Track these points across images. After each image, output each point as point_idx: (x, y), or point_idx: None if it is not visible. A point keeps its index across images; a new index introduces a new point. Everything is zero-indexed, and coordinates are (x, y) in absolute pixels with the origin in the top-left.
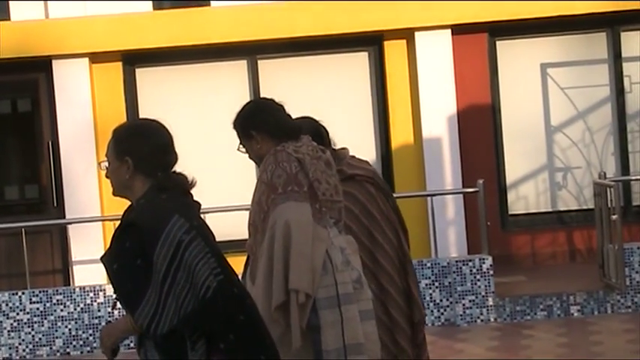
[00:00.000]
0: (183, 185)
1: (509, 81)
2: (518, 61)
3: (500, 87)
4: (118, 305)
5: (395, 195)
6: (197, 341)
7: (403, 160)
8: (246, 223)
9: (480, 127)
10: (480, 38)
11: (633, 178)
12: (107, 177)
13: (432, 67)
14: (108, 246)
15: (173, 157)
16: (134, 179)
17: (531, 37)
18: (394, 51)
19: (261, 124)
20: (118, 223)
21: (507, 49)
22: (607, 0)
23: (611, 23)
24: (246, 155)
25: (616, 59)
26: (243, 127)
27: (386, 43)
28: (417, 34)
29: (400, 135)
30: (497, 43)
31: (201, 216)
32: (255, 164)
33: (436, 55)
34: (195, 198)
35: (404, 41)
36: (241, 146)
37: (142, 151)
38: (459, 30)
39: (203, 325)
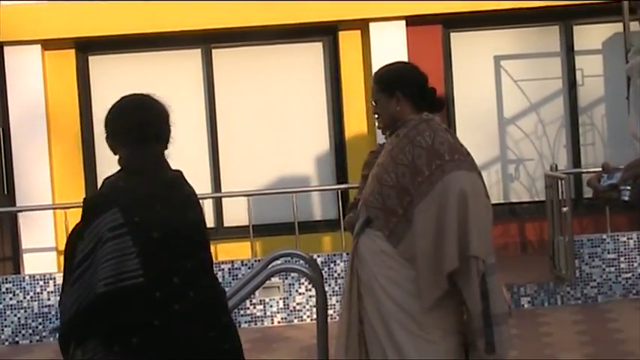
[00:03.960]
0: (151, 165)
1: (463, 73)
2: (472, 53)
3: (453, 79)
4: None
5: (348, 185)
6: (85, 340)
7: (357, 150)
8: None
9: (439, 117)
10: (435, 30)
11: (584, 170)
12: None
13: (386, 58)
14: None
15: (148, 133)
16: (119, 157)
17: (485, 30)
18: (349, 41)
19: (410, 88)
20: (69, 211)
21: (461, 41)
22: None
23: (564, 17)
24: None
25: (568, 52)
26: (389, 84)
27: (340, 33)
28: (371, 24)
29: (354, 125)
30: (452, 35)
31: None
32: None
33: (390, 46)
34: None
35: (358, 32)
36: (374, 102)
37: (113, 128)
38: (413, 21)
39: (85, 326)
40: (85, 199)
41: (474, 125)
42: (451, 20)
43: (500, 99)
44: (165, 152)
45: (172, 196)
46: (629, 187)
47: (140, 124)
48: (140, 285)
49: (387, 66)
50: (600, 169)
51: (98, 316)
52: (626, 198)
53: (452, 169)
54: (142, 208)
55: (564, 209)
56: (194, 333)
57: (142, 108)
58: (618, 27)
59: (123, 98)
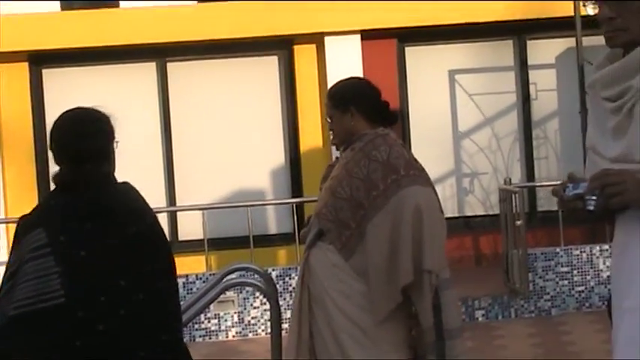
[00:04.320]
0: (86, 182)
1: (418, 87)
2: (427, 68)
3: (408, 93)
4: None
5: (303, 199)
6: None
7: (312, 164)
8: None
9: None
10: (389, 44)
11: (538, 184)
12: None
13: (341, 72)
14: None
15: (84, 150)
16: (54, 173)
17: (440, 44)
18: (304, 55)
19: (363, 103)
20: None
21: (416, 56)
22: (514, 8)
23: (518, 31)
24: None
25: (522, 67)
26: (342, 100)
27: (296, 47)
28: (326, 38)
29: (309, 139)
30: (406, 49)
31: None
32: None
33: (346, 59)
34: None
35: (314, 46)
36: (328, 118)
37: (51, 144)
38: (368, 35)
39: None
40: (18, 219)
41: (428, 139)
42: (406, 34)
43: (455, 113)
44: (114, 165)
45: (109, 212)
46: (594, 197)
47: (76, 141)
48: (61, 305)
49: (339, 82)
50: (554, 182)
51: (12, 337)
52: (592, 208)
53: (407, 183)
54: (70, 227)
55: (518, 223)
56: (121, 352)
57: (79, 124)
58: (571, 42)
59: (63, 114)
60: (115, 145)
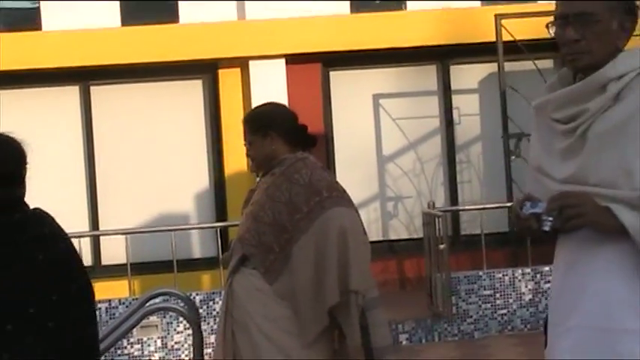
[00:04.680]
0: None
1: (343, 111)
2: (351, 92)
3: (333, 117)
4: None
5: (228, 223)
6: None
7: (237, 187)
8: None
9: (314, 156)
10: (314, 68)
11: (461, 208)
12: None
13: (266, 96)
14: None
15: None
16: None
17: (364, 69)
18: (228, 79)
19: (282, 127)
20: None
21: (340, 80)
22: (437, 33)
23: (441, 56)
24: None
25: (445, 91)
26: (261, 125)
27: (220, 71)
28: (251, 62)
29: (234, 163)
30: (331, 73)
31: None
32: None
33: (270, 84)
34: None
35: (238, 70)
36: (247, 144)
37: None
38: (293, 60)
39: None
40: None
41: (353, 163)
42: (330, 59)
43: (379, 137)
44: (25, 190)
45: (19, 238)
46: (551, 218)
47: None
48: None
49: (256, 108)
50: (477, 206)
51: None
52: (547, 228)
53: (331, 205)
54: None
55: (441, 246)
56: None
57: None
58: (493, 67)
59: None
60: (25, 170)
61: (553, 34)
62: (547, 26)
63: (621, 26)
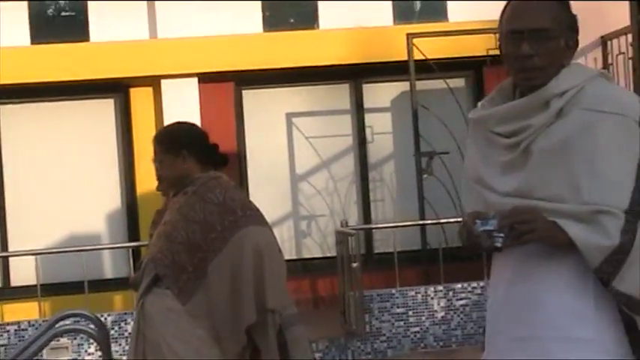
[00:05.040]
0: None
1: (256, 130)
2: (264, 111)
3: (246, 135)
4: None
5: (140, 243)
6: None
7: (149, 207)
8: None
9: (226, 175)
10: (227, 87)
11: (374, 226)
12: None
13: (178, 115)
14: None
15: None
16: None
17: (277, 87)
18: (140, 98)
19: (194, 146)
20: None
21: (253, 99)
22: (350, 52)
23: (354, 75)
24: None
25: (358, 110)
26: (173, 144)
27: (132, 90)
28: (163, 81)
29: (146, 182)
30: (244, 92)
31: None
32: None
33: (183, 103)
34: None
35: (150, 89)
36: (158, 161)
37: None
38: (205, 78)
39: None
40: None
41: (266, 182)
42: (243, 78)
43: (293, 156)
44: None
45: None
46: (502, 235)
47: None
48: None
49: (167, 127)
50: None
51: None
52: (499, 245)
53: (245, 224)
54: None
55: (354, 265)
56: None
57: None
58: (405, 86)
59: None
60: None
61: (503, 50)
62: (499, 43)
63: (567, 44)
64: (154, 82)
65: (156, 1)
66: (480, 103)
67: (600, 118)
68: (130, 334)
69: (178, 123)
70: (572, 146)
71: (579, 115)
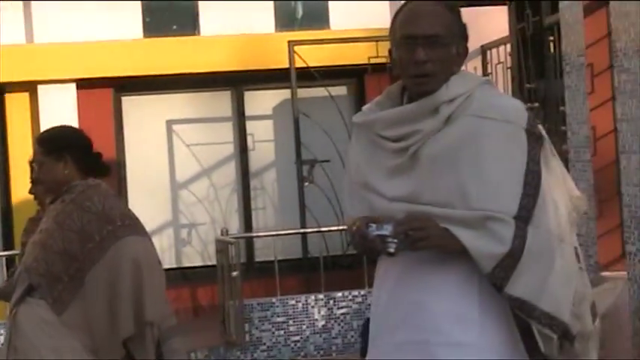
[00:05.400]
0: None
1: (135, 137)
2: (144, 117)
3: (125, 142)
4: None
5: (15, 252)
6: None
7: (25, 215)
8: None
9: (105, 183)
10: (105, 93)
11: (255, 234)
12: None
13: (55, 122)
14: None
15: None
16: None
17: (157, 94)
18: (16, 104)
19: (78, 152)
20: None
21: (133, 105)
22: (231, 59)
23: (235, 83)
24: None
25: (240, 118)
26: (57, 147)
27: (7, 95)
28: (39, 87)
29: (21, 190)
30: (123, 98)
31: None
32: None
33: (60, 109)
34: None
35: (26, 94)
36: (36, 166)
37: None
38: (83, 85)
39: None
40: None
41: (146, 189)
42: (122, 84)
43: (173, 163)
44: None
45: None
46: (396, 241)
47: None
48: None
49: (52, 129)
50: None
51: None
52: (392, 250)
53: (124, 234)
54: None
55: (234, 273)
56: None
57: None
58: (287, 93)
59: None
60: None
61: (394, 56)
62: (390, 48)
63: (457, 51)
64: (30, 87)
65: (32, 1)
66: (364, 107)
67: (487, 124)
68: (2, 345)
69: (65, 126)
70: (460, 152)
71: (467, 122)
